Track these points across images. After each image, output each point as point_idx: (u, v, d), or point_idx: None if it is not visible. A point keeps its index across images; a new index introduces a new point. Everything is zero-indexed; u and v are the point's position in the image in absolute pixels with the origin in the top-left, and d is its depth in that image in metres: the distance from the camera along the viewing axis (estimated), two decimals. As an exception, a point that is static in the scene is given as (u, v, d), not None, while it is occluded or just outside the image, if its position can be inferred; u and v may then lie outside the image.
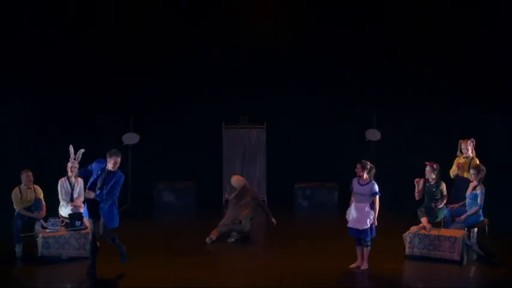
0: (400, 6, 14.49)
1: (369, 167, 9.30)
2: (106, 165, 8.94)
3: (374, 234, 9.32)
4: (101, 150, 13.93)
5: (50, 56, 14.03)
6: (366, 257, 9.38)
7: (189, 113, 15.10)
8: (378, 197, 9.23)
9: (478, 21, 14.25)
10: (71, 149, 10.62)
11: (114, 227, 9.03)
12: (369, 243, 9.32)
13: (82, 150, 10.60)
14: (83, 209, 10.39)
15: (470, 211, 10.22)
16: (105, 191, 8.82)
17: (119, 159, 8.97)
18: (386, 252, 10.18)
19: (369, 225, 9.20)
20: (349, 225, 9.35)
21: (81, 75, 14.31)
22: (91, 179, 8.99)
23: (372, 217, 9.20)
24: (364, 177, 9.30)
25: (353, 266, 9.45)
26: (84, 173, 9.26)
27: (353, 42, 14.78)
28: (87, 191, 9.01)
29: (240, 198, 11.16)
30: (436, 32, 14.50)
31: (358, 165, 9.35)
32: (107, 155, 8.96)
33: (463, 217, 10.24)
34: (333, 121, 14.93)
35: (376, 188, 9.23)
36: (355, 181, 9.36)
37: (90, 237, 9.34)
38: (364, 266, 9.38)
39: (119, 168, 9.00)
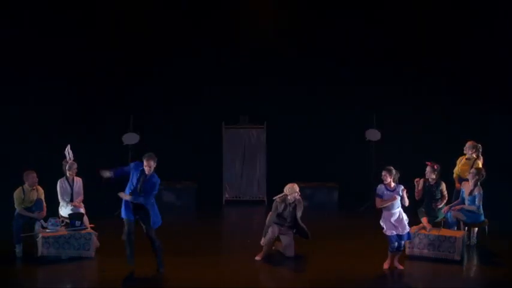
0: (400, 6, 14.48)
1: (394, 171, 9.26)
2: (143, 168, 9.08)
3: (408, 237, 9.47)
4: (101, 150, 14.07)
5: (50, 56, 14.03)
6: (397, 257, 9.45)
7: (189, 113, 15.09)
8: (403, 191, 9.22)
9: (478, 21, 14.24)
10: (68, 150, 10.62)
11: (159, 225, 9.33)
12: (403, 247, 9.43)
13: (68, 146, 10.61)
14: (82, 209, 10.43)
15: (467, 207, 10.24)
16: (142, 195, 9.06)
17: (152, 163, 9.10)
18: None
19: (408, 228, 9.30)
20: (389, 234, 9.26)
21: (81, 75, 14.32)
22: (130, 183, 9.12)
23: (407, 219, 9.29)
24: (392, 183, 9.24)
25: (386, 266, 9.42)
26: (119, 172, 9.26)
27: (353, 42, 14.78)
28: (123, 193, 9.10)
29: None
30: (436, 32, 14.49)
31: (385, 172, 9.25)
32: (143, 159, 9.10)
33: (458, 207, 10.31)
34: (333, 121, 14.92)
35: (401, 186, 9.23)
36: (382, 187, 9.27)
37: (125, 236, 9.29)
38: (400, 266, 9.44)
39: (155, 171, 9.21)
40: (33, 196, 10.19)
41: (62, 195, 10.52)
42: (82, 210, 10.39)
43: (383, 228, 9.26)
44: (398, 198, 9.18)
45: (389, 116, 14.43)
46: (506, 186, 12.90)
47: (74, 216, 10.17)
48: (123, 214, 9.23)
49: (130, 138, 13.76)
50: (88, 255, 9.90)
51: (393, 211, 9.20)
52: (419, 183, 10.40)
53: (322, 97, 15.02)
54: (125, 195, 9.07)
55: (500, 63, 14.05)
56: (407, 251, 10.00)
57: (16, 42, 13.75)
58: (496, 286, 9.01)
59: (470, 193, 10.28)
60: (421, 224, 10.07)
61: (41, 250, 9.72)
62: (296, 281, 9.04)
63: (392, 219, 9.20)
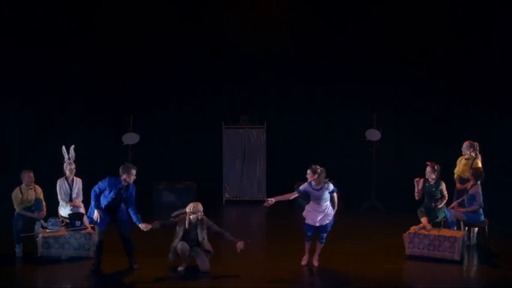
0: (401, 7, 14.48)
1: (319, 171, 9.25)
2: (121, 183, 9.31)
3: (329, 228, 9.44)
4: (101, 150, 14.06)
5: (50, 56, 14.04)
6: (318, 252, 9.50)
7: (189, 113, 15.10)
8: (335, 193, 9.33)
9: (478, 21, 14.25)
10: (64, 149, 10.62)
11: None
12: (325, 240, 9.43)
13: (72, 146, 10.62)
14: (82, 209, 10.43)
15: (469, 208, 10.25)
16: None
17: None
18: (386, 252, 10.18)
19: (329, 221, 9.33)
20: (309, 222, 9.38)
21: (81, 75, 14.33)
22: (108, 198, 9.27)
23: (332, 213, 9.35)
24: (316, 181, 9.25)
25: (304, 262, 9.52)
26: (97, 200, 9.33)
27: (353, 42, 14.78)
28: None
29: None
30: (436, 32, 14.49)
31: (309, 171, 9.30)
32: (126, 171, 9.43)
33: (459, 208, 10.37)
34: (333, 121, 14.92)
35: (331, 186, 9.30)
36: (308, 186, 9.32)
37: (96, 239, 9.42)
38: (316, 262, 9.48)
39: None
40: (31, 196, 10.18)
41: (61, 195, 10.52)
42: (82, 210, 10.39)
43: (304, 216, 9.39)
44: (327, 195, 9.26)
45: (389, 116, 14.44)
46: (506, 186, 12.90)
47: (74, 216, 10.17)
48: (100, 224, 9.27)
49: (130, 138, 13.77)
50: (88, 255, 9.89)
51: (320, 204, 9.26)
52: (419, 183, 10.39)
53: (322, 97, 15.03)
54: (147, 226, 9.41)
55: (500, 63, 14.05)
56: (407, 251, 10.00)
57: (16, 42, 13.76)
58: (496, 286, 9.01)
59: (472, 192, 10.27)
60: (421, 224, 10.06)
61: (41, 250, 9.72)
62: (296, 280, 9.03)
63: (318, 211, 9.26)
